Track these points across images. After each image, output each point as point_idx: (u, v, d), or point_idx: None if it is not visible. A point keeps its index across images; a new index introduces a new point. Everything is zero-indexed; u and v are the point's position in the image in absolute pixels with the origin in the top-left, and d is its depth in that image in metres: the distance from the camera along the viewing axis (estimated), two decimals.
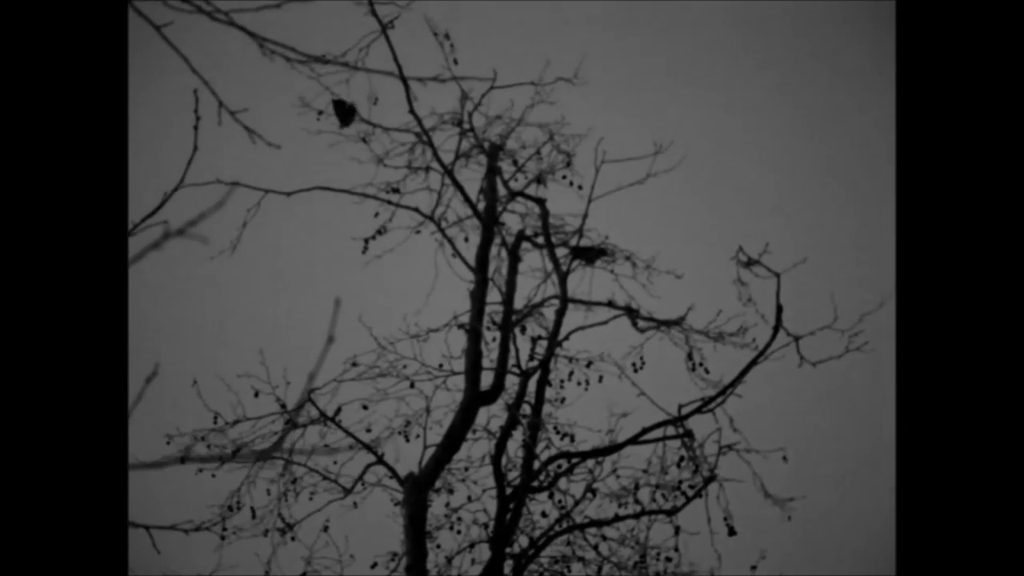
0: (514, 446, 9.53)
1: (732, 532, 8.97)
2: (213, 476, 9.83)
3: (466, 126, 10.21)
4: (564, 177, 10.09)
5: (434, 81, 4.20)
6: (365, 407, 9.73)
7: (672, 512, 9.29)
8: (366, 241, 10.23)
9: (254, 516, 9.86)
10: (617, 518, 9.36)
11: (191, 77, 3.67)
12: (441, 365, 9.71)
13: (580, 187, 9.86)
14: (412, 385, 9.77)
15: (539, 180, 10.16)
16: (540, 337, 9.76)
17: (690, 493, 9.13)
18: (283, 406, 9.88)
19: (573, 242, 10.04)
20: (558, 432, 9.54)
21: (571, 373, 9.68)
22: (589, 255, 10.12)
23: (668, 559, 9.23)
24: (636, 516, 9.35)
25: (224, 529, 9.70)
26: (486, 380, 9.67)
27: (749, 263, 9.24)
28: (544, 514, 9.43)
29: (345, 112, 9.96)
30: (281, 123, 10.59)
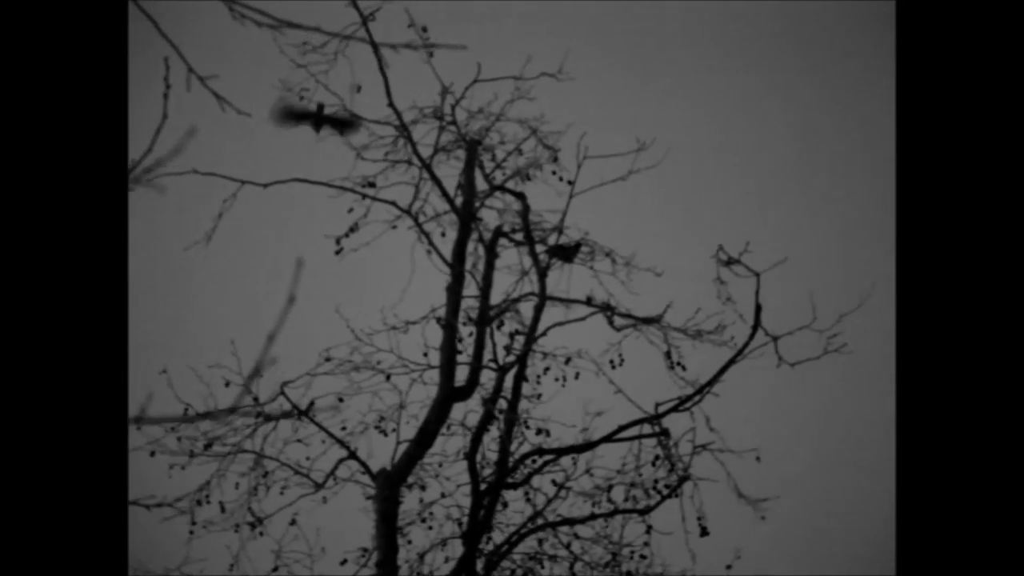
0: (489, 442, 9.46)
1: (704, 532, 8.93)
2: (183, 468, 9.73)
3: (447, 119, 10.13)
4: (554, 172, 10.02)
5: (407, 48, 4.11)
6: (340, 399, 9.64)
7: (645, 511, 9.24)
8: (338, 240, 10.12)
9: (223, 510, 9.76)
10: (591, 517, 9.31)
11: (160, 43, 3.58)
12: (426, 354, 9.62)
13: (571, 182, 9.80)
14: (388, 378, 9.69)
15: (522, 175, 10.09)
16: (517, 332, 9.70)
17: (665, 492, 9.08)
18: (255, 399, 9.78)
19: (552, 238, 9.98)
20: (533, 428, 9.48)
21: (547, 369, 9.62)
22: (567, 253, 10.06)
23: (643, 556, 9.19)
24: (609, 515, 9.29)
25: (193, 523, 9.60)
26: (461, 376, 9.60)
27: (729, 262, 9.20)
28: (518, 510, 9.37)
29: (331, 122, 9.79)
30: (259, 103, 10.48)
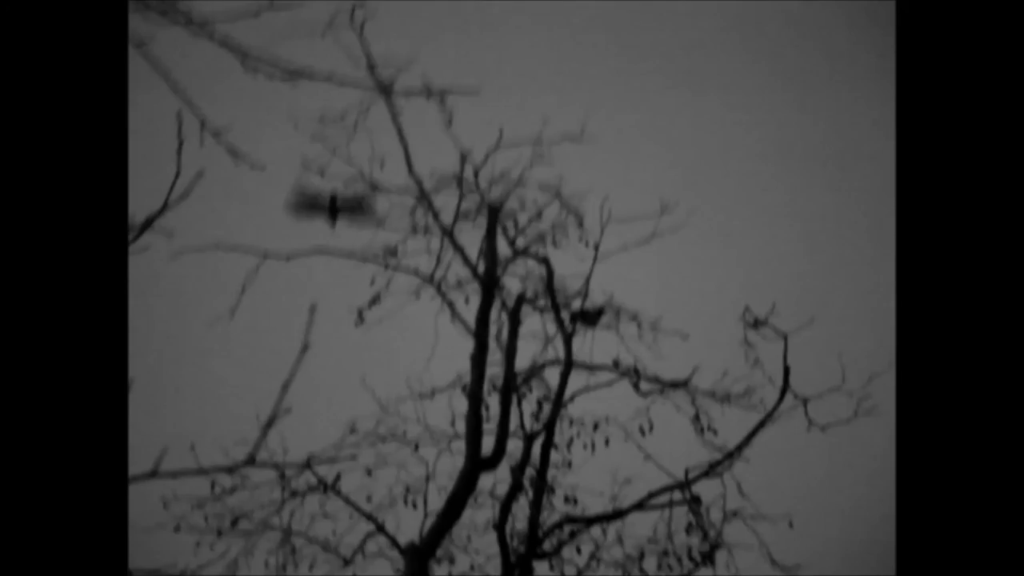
0: (518, 512, 9.32)
1: None
2: (211, 548, 9.64)
3: (468, 186, 10.12)
4: (580, 239, 9.95)
5: (418, 96, 4.08)
6: (369, 472, 9.53)
7: None
8: (360, 312, 10.07)
9: None
10: None
11: (169, 95, 3.56)
12: (453, 423, 9.52)
13: (596, 246, 9.73)
14: (416, 448, 9.59)
15: (550, 240, 10.04)
16: (544, 399, 9.59)
17: (698, 560, 8.91)
18: (282, 475, 9.69)
19: (576, 303, 9.90)
20: (562, 496, 9.34)
21: (578, 433, 9.50)
22: (591, 318, 9.97)
23: None
24: None
25: None
26: (488, 445, 9.49)
27: (756, 324, 9.11)
28: (553, 571, 9.19)
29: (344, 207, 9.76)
30: (282, 184, 10.50)
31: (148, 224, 3.76)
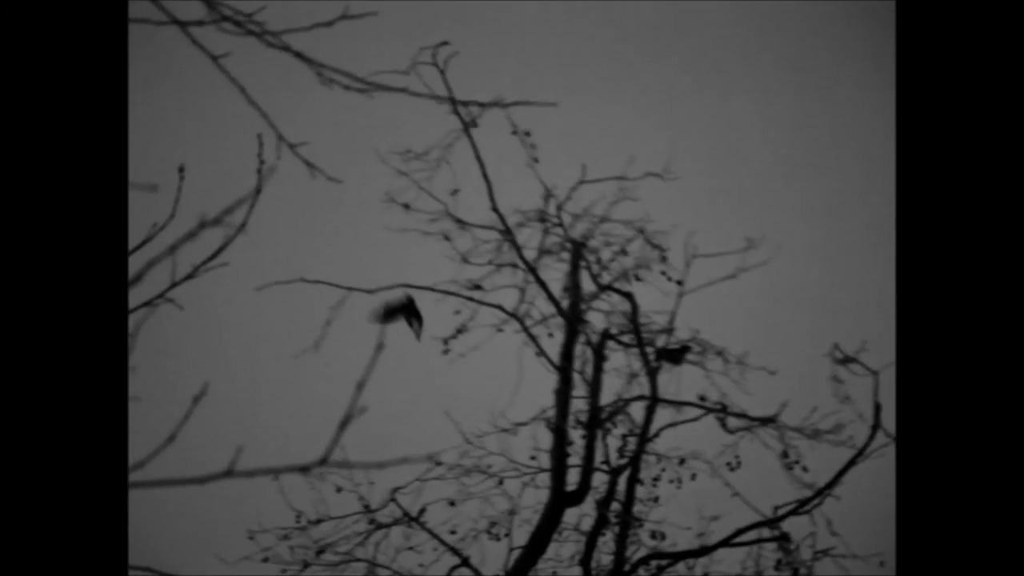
0: (603, 547, 9.23)
1: None
2: None
3: (552, 222, 10.13)
4: (663, 273, 9.90)
5: (494, 106, 4.07)
6: (452, 503, 9.52)
7: None
8: (445, 341, 10.09)
9: None
10: None
11: (245, 107, 3.58)
12: (534, 458, 9.48)
13: (679, 282, 9.67)
14: (500, 482, 9.56)
15: (633, 275, 10.00)
16: (629, 434, 9.52)
17: None
18: (367, 506, 9.72)
19: (661, 339, 9.83)
20: (648, 532, 9.23)
21: (662, 470, 9.40)
22: (675, 356, 9.89)
23: None
24: None
25: None
26: (573, 479, 9.44)
27: (845, 360, 8.95)
28: None
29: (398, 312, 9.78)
30: (367, 219, 10.60)
31: (224, 246, 3.80)
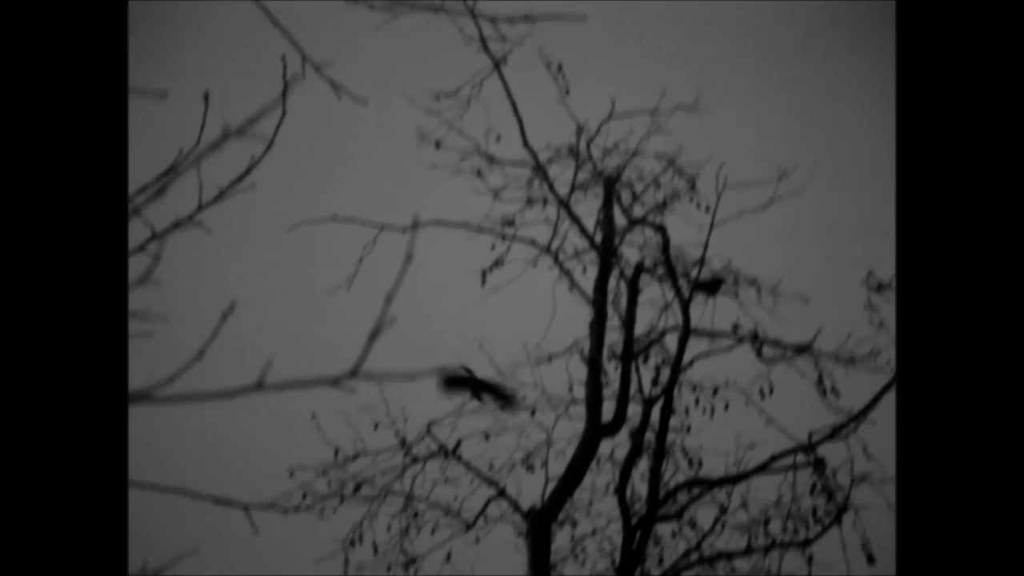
0: (639, 476, 9.29)
1: (871, 560, 8.58)
2: (334, 512, 9.80)
3: (583, 157, 10.12)
4: (691, 200, 9.89)
5: (524, 21, 4.07)
6: (487, 437, 9.59)
7: (805, 544, 8.93)
8: (483, 273, 10.14)
9: (376, 552, 9.76)
10: (749, 550, 9.03)
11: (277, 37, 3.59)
12: (571, 388, 9.53)
13: (708, 208, 9.64)
14: (533, 414, 9.62)
15: (663, 206, 9.99)
16: (663, 365, 9.55)
17: (824, 521, 8.77)
18: (403, 440, 9.81)
19: (695, 271, 9.83)
20: (686, 457, 9.28)
21: (696, 400, 9.43)
22: (710, 288, 9.88)
23: None
24: (768, 548, 9.00)
25: (346, 562, 9.64)
26: (608, 411, 9.49)
27: (880, 287, 8.92)
28: (672, 544, 9.13)
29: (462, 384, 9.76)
30: (399, 156, 10.62)
31: (250, 168, 3.82)
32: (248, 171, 4.13)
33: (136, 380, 3.98)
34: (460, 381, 9.14)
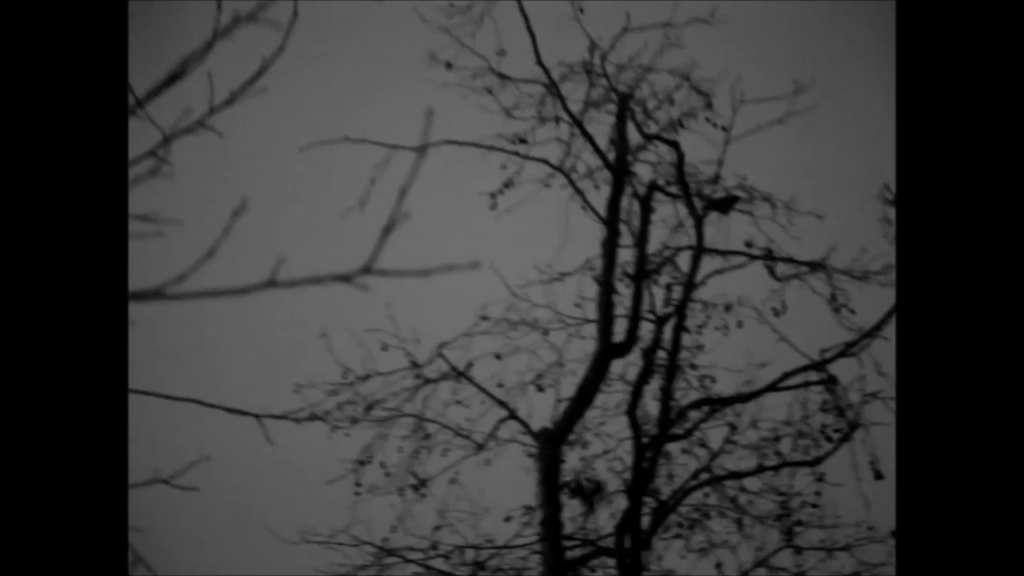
0: (650, 396, 9.25)
1: (879, 476, 8.56)
2: (347, 435, 9.78)
3: (597, 72, 9.96)
4: (707, 119, 9.75)
5: None
6: (498, 357, 9.55)
7: (815, 463, 8.91)
8: (493, 196, 10.04)
9: (387, 475, 9.76)
10: (759, 469, 9.02)
11: None
12: (578, 305, 9.47)
13: (724, 128, 9.51)
14: (545, 334, 9.57)
15: (678, 124, 9.85)
16: (675, 283, 9.47)
17: (834, 438, 8.74)
18: (414, 362, 9.78)
19: (708, 190, 9.72)
20: (695, 378, 9.23)
21: (708, 318, 9.37)
22: (723, 206, 9.78)
23: (814, 506, 8.86)
24: (778, 467, 8.99)
25: (357, 484, 9.64)
26: (619, 330, 9.43)
27: (895, 201, 8.81)
28: (683, 463, 9.12)
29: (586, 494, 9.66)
30: (408, 76, 10.49)
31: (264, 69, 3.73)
32: (260, 72, 4.04)
33: (148, 280, 3.91)
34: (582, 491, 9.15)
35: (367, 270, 3.27)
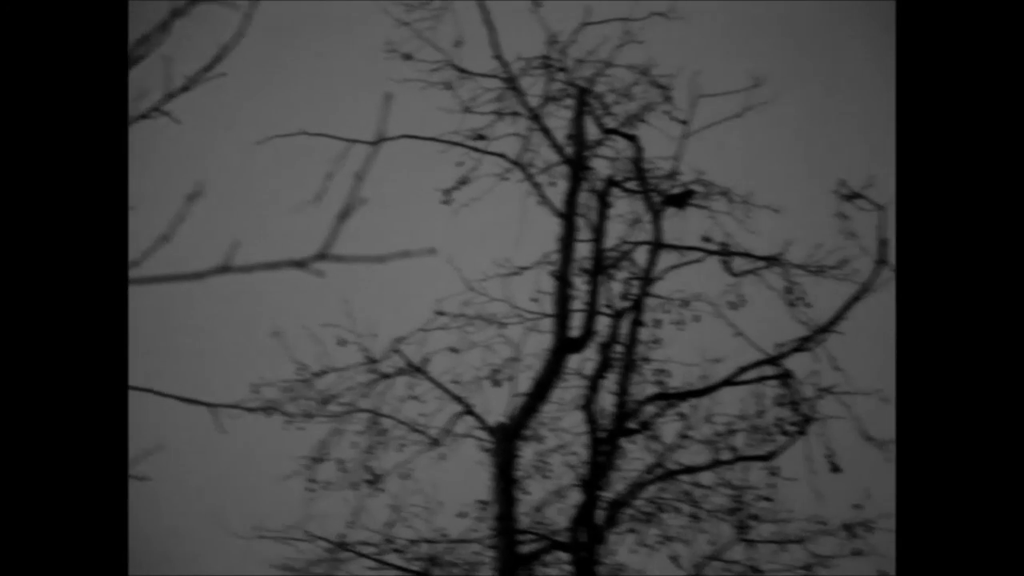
0: (606, 391, 9.25)
1: (835, 469, 8.61)
2: (301, 430, 9.72)
3: (555, 66, 9.95)
4: (666, 113, 9.76)
5: None
6: (455, 351, 9.53)
7: (769, 457, 8.95)
8: (447, 193, 9.99)
9: (342, 470, 9.70)
10: (714, 464, 9.04)
11: None
12: (536, 300, 9.46)
13: (683, 121, 9.52)
14: (502, 328, 9.55)
15: (638, 118, 9.85)
16: (632, 277, 9.48)
17: (789, 432, 8.78)
18: (369, 357, 9.73)
19: (665, 184, 9.73)
20: (651, 372, 9.24)
21: (666, 312, 9.38)
22: (679, 200, 9.80)
23: (767, 499, 8.90)
24: (732, 462, 9.02)
25: (312, 480, 9.59)
26: (576, 325, 9.43)
27: (851, 196, 8.87)
28: (638, 457, 9.13)
29: None
30: (367, 69, 10.44)
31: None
32: (218, 58, 4.00)
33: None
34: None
35: (323, 256, 3.23)
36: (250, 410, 4.59)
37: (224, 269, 3.19)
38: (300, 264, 3.26)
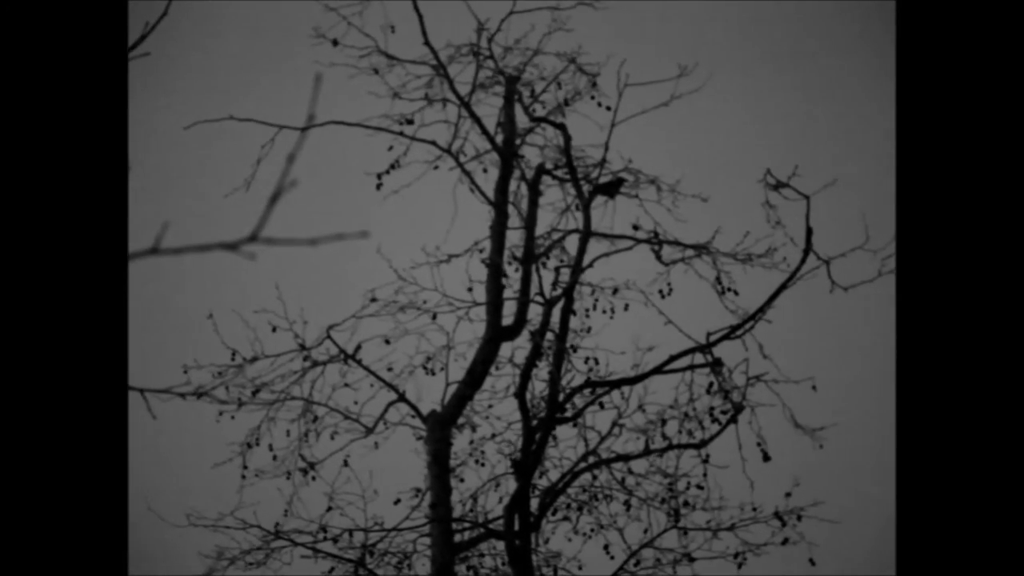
0: (539, 379, 9.29)
1: (766, 458, 8.71)
2: (232, 418, 9.66)
3: (484, 54, 9.95)
4: (592, 98, 9.80)
5: None
6: (387, 341, 9.51)
7: (701, 445, 9.02)
8: (379, 176, 9.97)
9: (275, 458, 9.66)
10: (646, 452, 9.10)
11: None
12: (470, 289, 9.47)
13: (610, 108, 9.56)
14: (434, 317, 9.54)
15: (565, 104, 9.88)
16: (563, 265, 9.52)
17: (721, 420, 8.86)
18: (302, 345, 9.69)
19: (595, 173, 9.77)
20: (582, 360, 9.28)
21: (596, 300, 9.43)
22: (609, 189, 9.85)
23: (699, 487, 8.98)
24: (664, 450, 9.08)
25: (244, 467, 9.53)
26: (509, 313, 9.45)
27: (778, 186, 8.95)
28: (571, 445, 9.17)
29: None
30: (295, 56, 10.38)
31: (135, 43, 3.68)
32: (143, 37, 3.96)
33: None
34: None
35: (254, 238, 3.21)
36: (182, 395, 4.55)
37: (154, 251, 3.16)
38: (231, 247, 3.24)
